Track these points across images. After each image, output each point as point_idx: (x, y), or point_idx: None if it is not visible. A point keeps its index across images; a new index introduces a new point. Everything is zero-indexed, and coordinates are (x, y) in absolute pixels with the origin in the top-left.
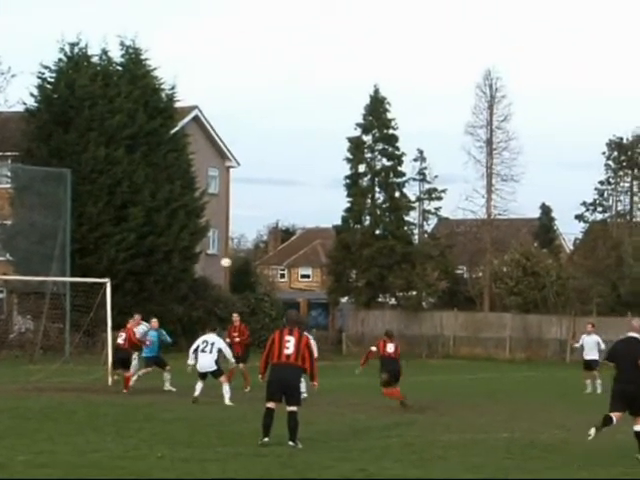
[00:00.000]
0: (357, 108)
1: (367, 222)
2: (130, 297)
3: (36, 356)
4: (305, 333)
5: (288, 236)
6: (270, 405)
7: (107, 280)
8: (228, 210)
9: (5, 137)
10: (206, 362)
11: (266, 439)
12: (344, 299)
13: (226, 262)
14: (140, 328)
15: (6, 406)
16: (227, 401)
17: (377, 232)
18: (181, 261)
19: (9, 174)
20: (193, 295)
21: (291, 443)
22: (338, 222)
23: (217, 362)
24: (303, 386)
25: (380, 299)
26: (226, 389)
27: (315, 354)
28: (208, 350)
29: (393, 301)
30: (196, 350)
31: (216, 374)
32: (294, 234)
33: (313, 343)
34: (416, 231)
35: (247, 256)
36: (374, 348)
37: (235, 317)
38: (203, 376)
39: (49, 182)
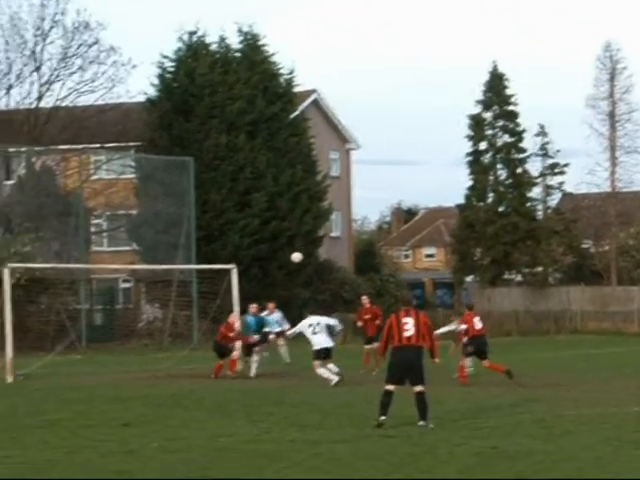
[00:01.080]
0: (477, 85)
1: (490, 199)
2: (255, 283)
3: (165, 344)
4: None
5: (411, 216)
6: (389, 387)
7: (233, 266)
8: (350, 192)
9: (127, 128)
10: (322, 340)
11: (383, 417)
12: (469, 277)
13: (297, 257)
14: (238, 323)
15: (137, 394)
16: (334, 381)
17: (500, 209)
18: (305, 245)
19: (133, 164)
20: (318, 279)
21: (422, 423)
22: (461, 200)
23: (331, 339)
24: None
25: (505, 276)
26: (324, 372)
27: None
28: (319, 330)
29: (519, 278)
30: (299, 334)
31: (329, 354)
32: (417, 214)
33: None
34: (540, 207)
35: (371, 237)
36: (464, 326)
37: (364, 299)
38: (321, 355)
39: (172, 171)
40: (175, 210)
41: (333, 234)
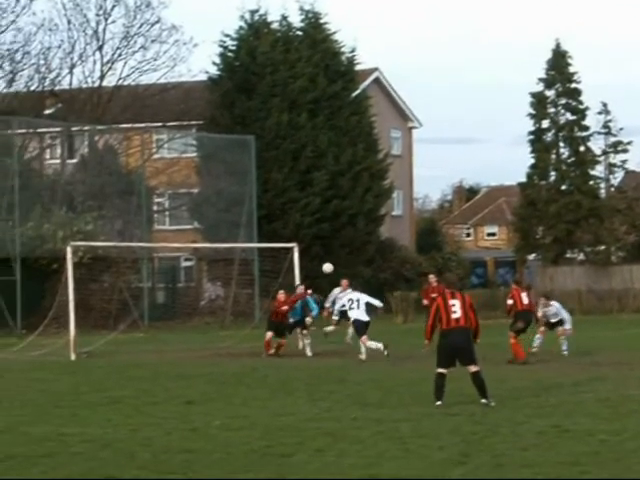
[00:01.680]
0: (539, 63)
1: (552, 178)
2: (317, 261)
3: (226, 322)
4: None
5: (472, 195)
6: (441, 370)
7: (294, 245)
8: (412, 171)
9: (189, 106)
10: (358, 313)
11: (438, 403)
12: (531, 256)
13: (328, 268)
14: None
15: (200, 372)
16: (363, 356)
17: (563, 187)
18: (366, 224)
19: (194, 143)
20: (380, 257)
21: (484, 401)
22: (523, 179)
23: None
24: None
25: (568, 255)
26: (366, 346)
27: None
28: (356, 306)
29: (581, 256)
30: (343, 310)
31: (363, 331)
32: (478, 192)
33: None
34: (602, 185)
35: (432, 216)
36: (511, 301)
37: (432, 278)
38: (364, 330)
39: (234, 149)
40: (237, 189)
41: (394, 213)
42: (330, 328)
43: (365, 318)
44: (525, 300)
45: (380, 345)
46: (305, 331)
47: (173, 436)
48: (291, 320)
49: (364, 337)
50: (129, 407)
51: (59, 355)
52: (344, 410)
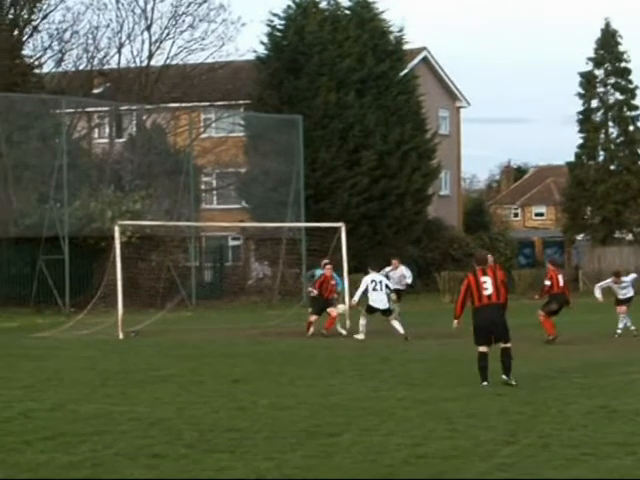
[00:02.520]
0: (588, 42)
1: (601, 158)
2: (364, 241)
3: (274, 301)
4: None
5: (520, 175)
6: (482, 349)
7: (342, 224)
8: (459, 151)
9: (237, 86)
10: (380, 298)
11: (485, 383)
12: (580, 236)
13: (341, 308)
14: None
15: (247, 351)
16: (401, 330)
17: (612, 167)
18: (414, 203)
19: (242, 122)
20: (427, 237)
21: (505, 377)
22: (571, 159)
23: (388, 300)
24: None
25: (616, 235)
26: (397, 325)
27: None
28: (379, 288)
29: (630, 237)
30: (366, 291)
31: (387, 313)
32: (526, 172)
33: None
34: None
35: (480, 196)
36: (549, 282)
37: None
38: (373, 311)
39: (281, 129)
40: (284, 168)
41: (442, 192)
42: (395, 306)
43: (385, 306)
44: (561, 282)
45: (362, 336)
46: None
47: (220, 414)
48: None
49: (364, 315)
50: (176, 386)
51: (107, 334)
52: (391, 390)
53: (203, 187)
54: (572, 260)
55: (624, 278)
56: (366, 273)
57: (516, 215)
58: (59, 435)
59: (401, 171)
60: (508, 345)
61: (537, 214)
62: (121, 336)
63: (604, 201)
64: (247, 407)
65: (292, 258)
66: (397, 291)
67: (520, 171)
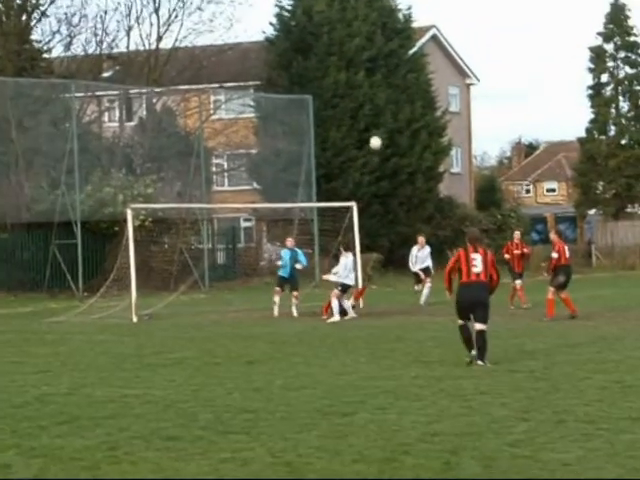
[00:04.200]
0: (597, 17)
1: (612, 132)
2: (376, 220)
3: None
4: None
5: (532, 151)
6: (461, 322)
7: (353, 204)
8: (470, 128)
9: (246, 67)
10: (352, 276)
11: (473, 352)
12: (592, 211)
13: (376, 142)
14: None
15: (261, 332)
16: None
17: (623, 142)
18: (425, 181)
19: (252, 104)
20: (439, 215)
21: (480, 362)
22: (582, 134)
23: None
24: None
25: (628, 209)
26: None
27: None
28: (353, 267)
29: None
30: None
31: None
32: (538, 148)
33: None
34: None
35: (491, 173)
36: (556, 255)
37: (517, 234)
38: (347, 289)
39: (291, 109)
40: (295, 148)
41: (453, 170)
42: (419, 287)
43: (353, 282)
44: (567, 253)
45: (337, 318)
46: (295, 292)
47: (235, 396)
48: (281, 274)
49: (338, 292)
50: (191, 368)
51: (121, 317)
52: (405, 368)
53: (214, 169)
54: (585, 235)
55: None
56: (349, 253)
57: (528, 191)
58: (74, 419)
59: (412, 149)
60: (484, 327)
61: (549, 190)
62: (135, 319)
63: (615, 175)
64: (262, 388)
65: (304, 238)
66: (426, 270)
67: (531, 147)
